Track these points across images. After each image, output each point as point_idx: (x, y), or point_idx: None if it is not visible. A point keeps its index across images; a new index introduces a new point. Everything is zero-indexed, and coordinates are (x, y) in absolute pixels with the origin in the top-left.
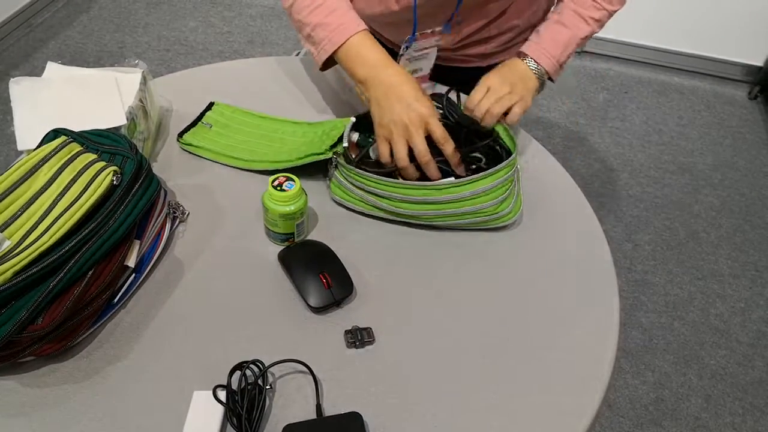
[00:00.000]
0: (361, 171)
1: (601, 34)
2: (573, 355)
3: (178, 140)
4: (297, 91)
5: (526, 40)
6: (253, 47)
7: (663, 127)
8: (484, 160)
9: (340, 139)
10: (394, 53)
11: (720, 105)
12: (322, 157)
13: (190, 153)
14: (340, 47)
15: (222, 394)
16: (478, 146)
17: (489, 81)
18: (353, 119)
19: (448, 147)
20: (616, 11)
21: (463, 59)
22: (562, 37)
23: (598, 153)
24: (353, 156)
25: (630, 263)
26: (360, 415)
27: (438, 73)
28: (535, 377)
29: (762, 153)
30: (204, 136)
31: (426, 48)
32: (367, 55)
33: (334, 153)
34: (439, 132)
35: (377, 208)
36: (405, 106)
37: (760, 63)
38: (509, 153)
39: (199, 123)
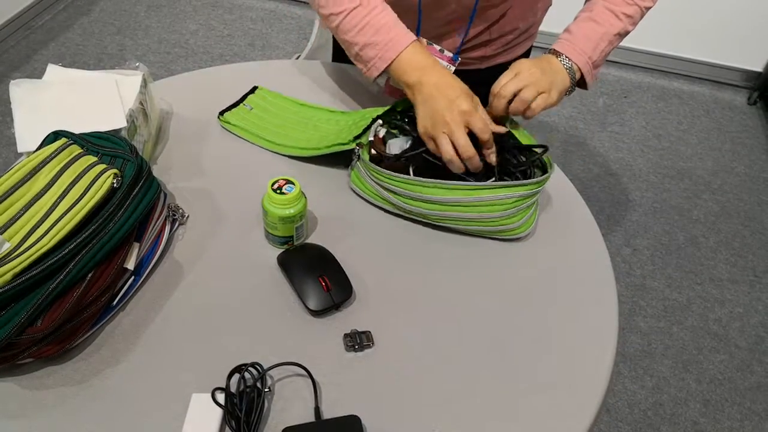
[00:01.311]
0: (376, 167)
1: None
2: (571, 359)
3: (218, 118)
4: (297, 94)
5: (525, 40)
6: (253, 50)
7: (662, 132)
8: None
9: (366, 131)
10: None
11: (719, 110)
12: (346, 148)
13: (229, 132)
14: (390, 64)
15: (221, 397)
16: (523, 163)
17: (519, 65)
18: (380, 122)
19: (485, 136)
20: (648, 8)
21: (463, 62)
22: (595, 33)
23: (598, 158)
24: (379, 149)
25: (629, 268)
26: (359, 419)
27: None
28: (533, 381)
29: (761, 158)
30: (243, 116)
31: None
32: (416, 61)
33: (357, 144)
34: (478, 125)
35: (390, 203)
36: (447, 104)
37: (759, 68)
38: (544, 171)
39: (241, 104)
